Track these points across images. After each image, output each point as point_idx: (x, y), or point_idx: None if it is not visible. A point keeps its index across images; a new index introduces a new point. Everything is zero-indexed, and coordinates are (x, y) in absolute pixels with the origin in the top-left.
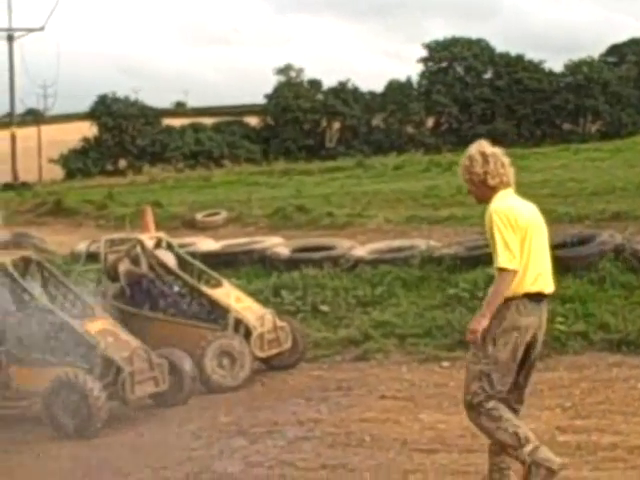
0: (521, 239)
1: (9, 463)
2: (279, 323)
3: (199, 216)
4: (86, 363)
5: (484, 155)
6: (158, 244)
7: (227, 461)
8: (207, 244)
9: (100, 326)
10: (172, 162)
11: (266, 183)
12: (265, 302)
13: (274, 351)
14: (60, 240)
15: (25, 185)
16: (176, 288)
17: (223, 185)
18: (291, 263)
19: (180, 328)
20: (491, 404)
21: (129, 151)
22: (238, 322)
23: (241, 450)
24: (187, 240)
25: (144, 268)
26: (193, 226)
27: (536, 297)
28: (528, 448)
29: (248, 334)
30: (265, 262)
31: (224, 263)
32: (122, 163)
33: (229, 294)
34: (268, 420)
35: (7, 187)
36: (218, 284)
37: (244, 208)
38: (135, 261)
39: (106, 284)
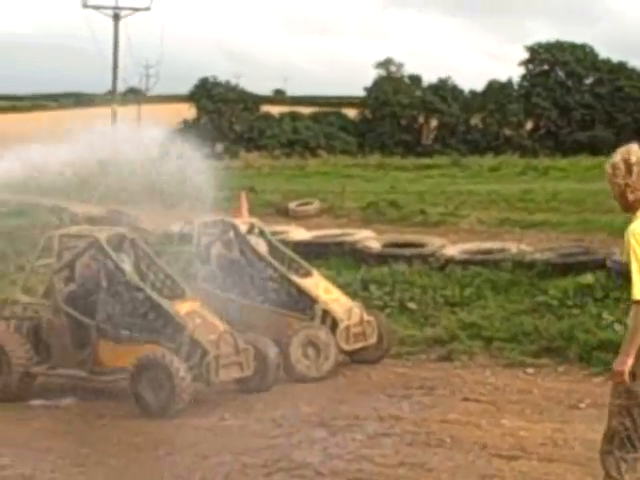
0: None
1: (92, 435)
2: (366, 317)
3: (292, 205)
4: (173, 343)
5: (628, 164)
6: (251, 230)
7: (306, 451)
8: (299, 233)
9: (189, 307)
10: (268, 149)
11: (360, 176)
12: (353, 295)
13: (359, 345)
14: (154, 219)
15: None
16: (265, 275)
17: (318, 175)
18: (381, 258)
19: (268, 315)
20: (628, 455)
21: (226, 135)
22: (325, 313)
23: (321, 441)
24: (279, 228)
25: (236, 253)
26: (286, 214)
27: None
28: None
29: (334, 326)
30: (355, 255)
31: (315, 253)
32: (219, 147)
33: (318, 284)
34: (349, 414)
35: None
36: (308, 274)
37: (337, 199)
38: (227, 245)
39: (197, 266)
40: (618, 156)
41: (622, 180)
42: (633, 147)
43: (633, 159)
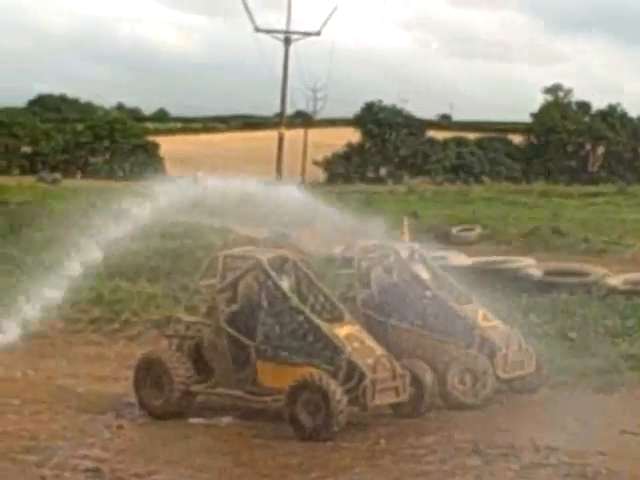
0: None
1: (247, 455)
2: (524, 345)
3: (454, 230)
4: (331, 366)
5: None
6: (411, 255)
7: (459, 479)
8: (459, 259)
9: (348, 331)
10: (432, 174)
11: (524, 203)
12: (512, 323)
13: (517, 373)
14: (316, 242)
15: None
16: (425, 300)
17: (481, 201)
18: (542, 285)
19: (425, 340)
20: None
21: (391, 160)
22: (483, 340)
23: (475, 470)
24: (440, 253)
25: (396, 277)
26: (447, 240)
27: None
28: None
29: (492, 353)
30: (516, 282)
31: (475, 279)
32: (382, 171)
33: (477, 311)
34: (505, 442)
35: None
36: (467, 300)
37: (500, 226)
38: (387, 269)
39: (357, 289)
40: None
41: None
42: None
43: None
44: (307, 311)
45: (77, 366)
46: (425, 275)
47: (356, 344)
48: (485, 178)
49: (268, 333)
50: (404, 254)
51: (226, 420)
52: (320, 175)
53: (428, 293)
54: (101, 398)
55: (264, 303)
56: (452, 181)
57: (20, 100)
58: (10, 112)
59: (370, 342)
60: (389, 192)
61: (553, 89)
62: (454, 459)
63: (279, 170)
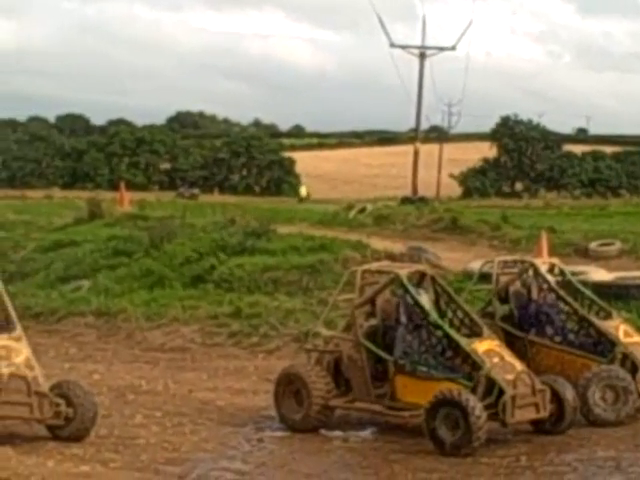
0: None
1: (386, 470)
2: None
3: (593, 245)
4: (470, 381)
5: None
6: (551, 270)
7: None
8: (599, 274)
9: (487, 346)
10: (568, 188)
11: None
12: None
13: None
14: (453, 257)
15: (423, 200)
16: (564, 315)
17: (619, 215)
18: None
19: (565, 356)
20: None
21: (527, 174)
22: (625, 357)
23: None
24: (579, 268)
25: (535, 292)
26: (586, 255)
27: None
28: None
29: (635, 370)
30: None
31: (615, 295)
32: (518, 186)
33: (618, 327)
34: None
35: (406, 200)
36: (608, 316)
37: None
38: (526, 284)
39: (495, 305)
40: None
41: None
42: None
43: None
44: (446, 326)
45: (217, 379)
46: (563, 290)
47: (495, 359)
48: (623, 192)
49: (407, 348)
50: (543, 269)
51: (364, 434)
52: (456, 189)
53: (568, 308)
54: (241, 411)
55: (403, 318)
56: (589, 195)
57: (159, 118)
58: (150, 129)
59: (510, 358)
60: (525, 207)
61: None
62: (596, 477)
63: (414, 185)
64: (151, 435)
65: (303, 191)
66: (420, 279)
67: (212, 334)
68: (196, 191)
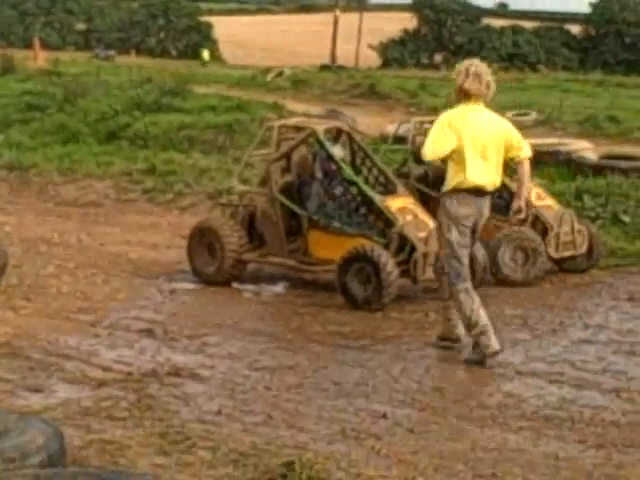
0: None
1: (298, 321)
2: (577, 226)
3: (508, 115)
4: (383, 238)
5: (467, 71)
6: None
7: (508, 351)
8: None
9: (401, 204)
10: (487, 62)
11: (580, 91)
12: (566, 205)
13: (568, 253)
14: (370, 122)
15: (341, 68)
16: None
17: (536, 89)
18: (597, 169)
19: None
20: (460, 285)
21: (446, 46)
22: (536, 219)
23: (523, 343)
24: None
25: None
26: None
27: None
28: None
29: (545, 232)
30: (570, 165)
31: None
32: (437, 58)
33: (530, 189)
34: (554, 319)
35: (324, 68)
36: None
37: (555, 112)
38: None
39: (410, 165)
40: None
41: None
42: (475, 61)
43: (472, 69)
44: (360, 182)
45: (130, 234)
46: None
47: (409, 217)
48: (541, 67)
49: (321, 204)
50: None
51: (277, 289)
52: (375, 60)
53: None
54: (154, 264)
55: (318, 173)
56: (507, 69)
57: None
58: None
59: (423, 216)
60: (443, 78)
61: None
62: (503, 333)
63: (333, 53)
64: (63, 285)
65: (205, 55)
66: (337, 135)
67: (126, 190)
68: (112, 52)
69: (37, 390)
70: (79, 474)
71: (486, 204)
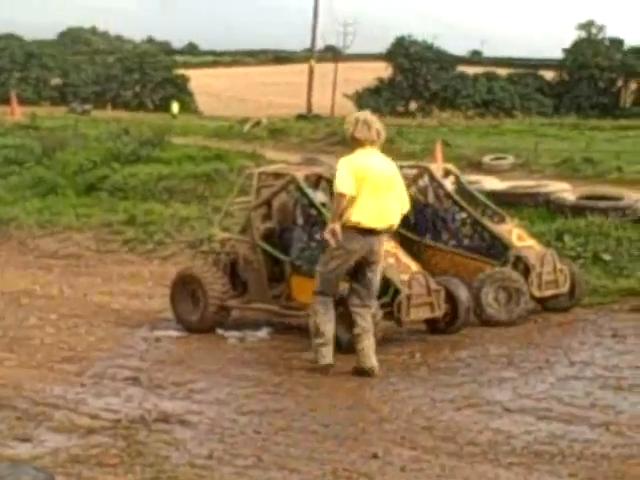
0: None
1: (284, 365)
2: (559, 265)
3: (486, 159)
4: None
5: (357, 120)
6: (446, 175)
7: (495, 389)
8: (492, 183)
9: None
10: (462, 109)
11: (555, 135)
12: (546, 245)
13: (551, 292)
14: None
15: (318, 117)
16: (459, 220)
17: (512, 133)
18: (576, 209)
19: (459, 260)
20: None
21: (421, 94)
22: (518, 259)
23: (510, 381)
24: (473, 178)
25: (430, 197)
26: (479, 168)
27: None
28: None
29: (527, 272)
30: (549, 206)
31: (508, 204)
32: (412, 106)
33: (511, 231)
34: (539, 357)
35: (301, 117)
36: (501, 220)
37: (531, 156)
38: (422, 190)
39: None
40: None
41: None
42: (366, 112)
43: (361, 118)
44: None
45: (112, 284)
46: (458, 196)
47: (391, 260)
48: (516, 113)
49: (303, 249)
50: (438, 174)
51: (261, 334)
52: (350, 109)
53: (463, 213)
54: (137, 314)
55: (299, 219)
56: (483, 115)
57: (50, 33)
58: (40, 44)
59: (405, 259)
60: (419, 125)
61: (586, 25)
62: (489, 372)
63: (309, 103)
64: (46, 336)
65: (175, 108)
66: (317, 181)
67: (106, 241)
68: (88, 107)
69: (25, 439)
70: None
71: (378, 241)
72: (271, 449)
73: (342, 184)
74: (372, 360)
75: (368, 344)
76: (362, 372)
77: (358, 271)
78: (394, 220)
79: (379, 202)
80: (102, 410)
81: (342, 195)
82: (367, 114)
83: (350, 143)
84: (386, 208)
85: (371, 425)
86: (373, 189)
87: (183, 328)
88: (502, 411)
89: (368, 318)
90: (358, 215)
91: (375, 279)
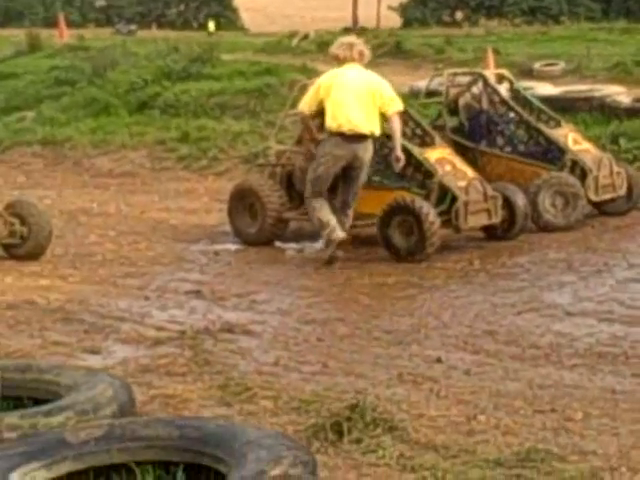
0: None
1: (343, 276)
2: (616, 168)
3: (537, 65)
4: (423, 189)
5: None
6: (500, 80)
7: (556, 293)
8: (546, 89)
9: (439, 155)
10: (509, 17)
11: (605, 40)
12: (602, 149)
13: (608, 196)
14: (398, 80)
15: (364, 30)
16: (514, 125)
17: (561, 39)
18: (631, 112)
19: (516, 165)
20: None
21: (467, 3)
22: (574, 164)
23: (570, 285)
24: (525, 84)
25: (485, 103)
26: (530, 75)
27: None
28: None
29: (584, 176)
30: (604, 110)
31: (562, 109)
32: (459, 15)
33: (567, 135)
34: (598, 261)
35: (347, 30)
36: (557, 124)
37: (583, 61)
38: (476, 96)
39: (445, 117)
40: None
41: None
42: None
43: (345, 41)
44: None
45: (168, 201)
46: (512, 101)
47: (448, 167)
48: (564, 19)
49: None
50: (492, 80)
51: (319, 245)
52: (396, 21)
53: (518, 118)
54: (195, 229)
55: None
56: (530, 23)
57: None
58: None
59: (462, 165)
60: (466, 35)
61: None
62: (549, 276)
63: (355, 16)
64: (107, 252)
65: (211, 26)
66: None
67: (161, 159)
68: (134, 27)
69: (94, 352)
70: (153, 422)
71: (363, 147)
72: (336, 356)
73: (301, 103)
74: (337, 251)
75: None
76: (329, 261)
77: (344, 175)
78: (372, 127)
79: (350, 109)
80: (167, 322)
81: (300, 113)
82: (352, 38)
83: (333, 62)
84: (358, 115)
85: (433, 331)
86: (342, 97)
87: (241, 241)
88: (563, 314)
89: (348, 213)
90: (332, 121)
91: (357, 183)
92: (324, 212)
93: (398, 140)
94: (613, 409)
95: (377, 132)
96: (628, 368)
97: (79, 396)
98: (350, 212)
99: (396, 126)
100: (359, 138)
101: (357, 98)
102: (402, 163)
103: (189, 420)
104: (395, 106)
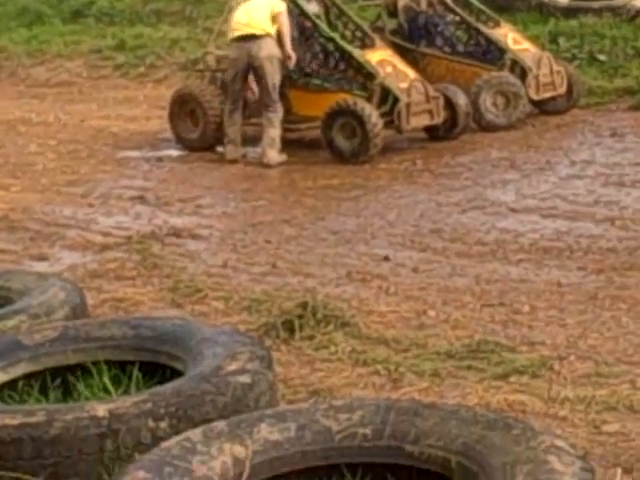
0: None
1: (288, 178)
2: (555, 67)
3: None
4: (364, 91)
5: None
6: None
7: (499, 191)
8: None
9: (379, 57)
10: None
11: None
12: (541, 48)
13: (548, 94)
14: None
15: None
16: (453, 26)
17: None
18: (569, 11)
19: (456, 66)
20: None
21: None
22: (514, 63)
23: (513, 183)
24: None
25: (423, 5)
26: None
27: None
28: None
29: (524, 76)
30: (542, 9)
31: (499, 8)
32: None
33: (507, 35)
34: (540, 159)
35: None
36: (496, 24)
37: None
38: None
39: (385, 19)
40: None
41: None
42: None
43: None
44: (337, 38)
45: (108, 109)
46: (451, 1)
47: (389, 69)
48: None
49: (300, 62)
50: None
51: (260, 150)
52: None
53: (457, 18)
54: (136, 136)
55: (293, 32)
56: None
57: None
58: None
59: (403, 67)
60: None
61: None
62: (492, 175)
63: None
64: (48, 161)
65: None
66: None
67: (97, 67)
68: None
69: (42, 259)
70: (108, 322)
71: (256, 46)
72: (284, 256)
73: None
74: (268, 153)
75: (265, 138)
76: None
77: (255, 77)
78: (263, 25)
79: (241, 16)
80: (113, 228)
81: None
82: None
83: None
84: (250, 17)
85: (380, 230)
86: (238, 11)
87: (183, 147)
88: (507, 211)
89: (268, 115)
90: (229, 32)
91: (264, 82)
92: (229, 124)
93: (286, 37)
94: (559, 301)
95: (270, 31)
96: (573, 262)
97: (31, 300)
98: (271, 114)
99: (282, 25)
100: (250, 38)
101: (249, 8)
102: (293, 61)
103: (143, 320)
104: (279, 6)
